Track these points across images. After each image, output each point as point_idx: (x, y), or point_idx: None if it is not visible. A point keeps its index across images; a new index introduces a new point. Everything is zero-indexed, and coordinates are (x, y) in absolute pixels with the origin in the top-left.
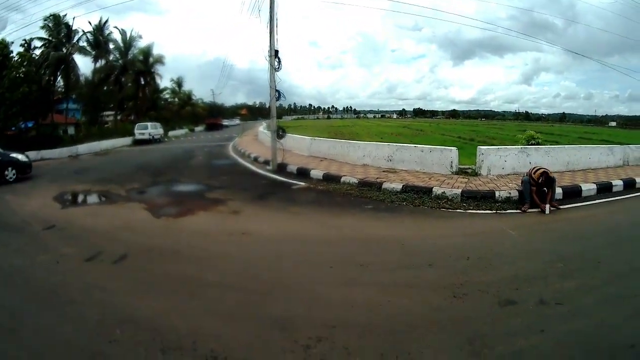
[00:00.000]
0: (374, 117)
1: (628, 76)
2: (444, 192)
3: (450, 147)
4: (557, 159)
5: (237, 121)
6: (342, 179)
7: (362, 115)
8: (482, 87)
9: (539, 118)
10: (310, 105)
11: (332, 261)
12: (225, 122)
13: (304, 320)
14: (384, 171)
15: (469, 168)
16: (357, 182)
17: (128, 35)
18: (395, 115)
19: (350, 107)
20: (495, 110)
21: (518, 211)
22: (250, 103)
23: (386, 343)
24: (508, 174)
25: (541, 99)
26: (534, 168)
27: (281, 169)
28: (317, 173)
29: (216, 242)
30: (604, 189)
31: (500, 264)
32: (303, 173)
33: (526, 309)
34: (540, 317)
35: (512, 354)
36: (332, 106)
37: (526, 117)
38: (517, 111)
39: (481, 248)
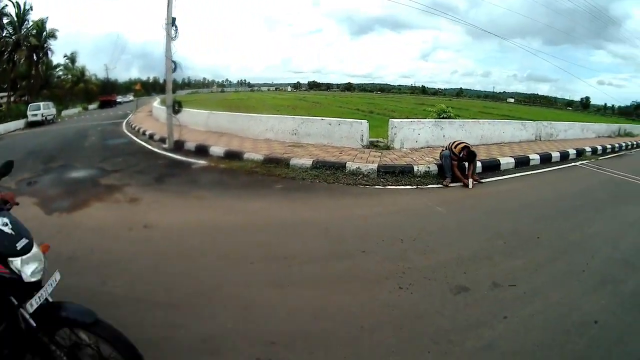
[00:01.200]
0: (268, 90)
1: (530, 57)
2: (358, 168)
3: (360, 120)
4: (471, 132)
5: (131, 97)
6: (246, 156)
7: (256, 88)
8: (378, 62)
9: (435, 92)
10: (204, 78)
11: (252, 255)
12: (119, 99)
13: (236, 339)
14: (289, 146)
15: (380, 141)
16: (262, 158)
17: (22, 8)
18: (289, 88)
19: (245, 80)
20: (391, 84)
21: (440, 186)
22: (144, 78)
23: (345, 356)
24: (422, 148)
25: (438, 74)
26: (454, 142)
27: (179, 146)
28: (217, 150)
29: (116, 239)
30: (522, 163)
31: (438, 245)
32: (202, 150)
33: (481, 294)
34: (498, 302)
35: (484, 347)
36: (226, 79)
37: (422, 91)
38: (414, 85)
39: (412, 228)
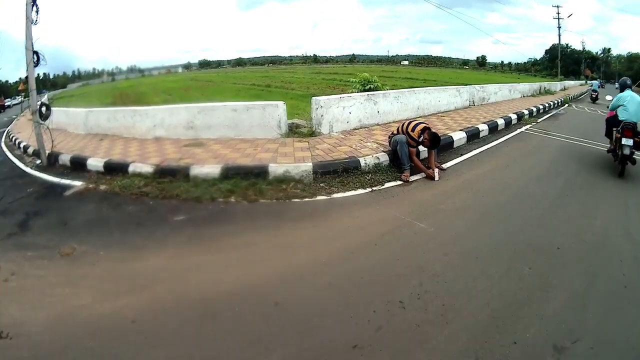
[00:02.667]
0: (159, 73)
1: (422, 20)
2: (287, 171)
3: (276, 102)
4: (407, 104)
5: (20, 99)
6: (131, 168)
7: (147, 73)
8: (268, 34)
9: (327, 60)
10: (94, 69)
11: None
12: (8, 102)
13: None
14: (186, 146)
15: (300, 125)
16: (152, 170)
17: None
18: (180, 69)
19: (135, 66)
20: (282, 55)
21: (398, 183)
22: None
23: None
24: (355, 129)
25: (328, 43)
26: (407, 122)
27: (52, 161)
28: (96, 162)
29: None
30: (473, 136)
31: (454, 297)
32: (79, 164)
33: None
34: None
35: None
36: (117, 67)
37: (314, 60)
38: (305, 55)
39: (405, 274)
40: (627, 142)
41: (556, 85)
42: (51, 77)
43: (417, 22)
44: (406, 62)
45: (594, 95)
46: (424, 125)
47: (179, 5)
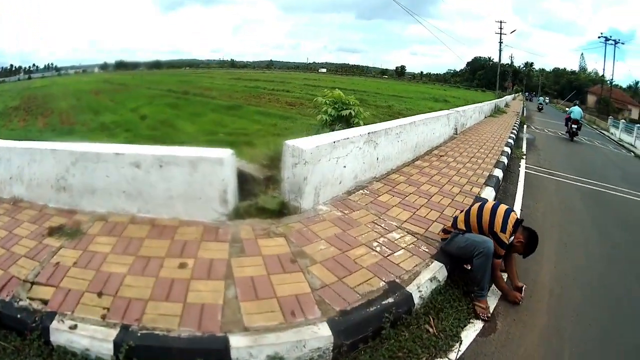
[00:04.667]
0: (75, 72)
1: (340, 29)
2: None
3: (217, 154)
4: (407, 142)
5: None
6: None
7: (63, 72)
8: (186, 37)
9: (244, 66)
10: (11, 65)
11: None
12: None
13: None
14: (48, 230)
15: (256, 181)
16: None
17: None
18: (97, 70)
19: (52, 64)
20: (200, 59)
21: (475, 324)
22: None
23: None
24: (350, 191)
25: (247, 48)
26: (482, 207)
27: None
28: None
29: None
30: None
31: None
32: None
33: None
34: None
35: None
36: (34, 64)
37: (232, 64)
38: (222, 59)
39: None
40: (573, 126)
41: (502, 101)
42: None
43: (335, 31)
44: (324, 70)
45: (540, 107)
46: (515, 216)
47: (100, 3)
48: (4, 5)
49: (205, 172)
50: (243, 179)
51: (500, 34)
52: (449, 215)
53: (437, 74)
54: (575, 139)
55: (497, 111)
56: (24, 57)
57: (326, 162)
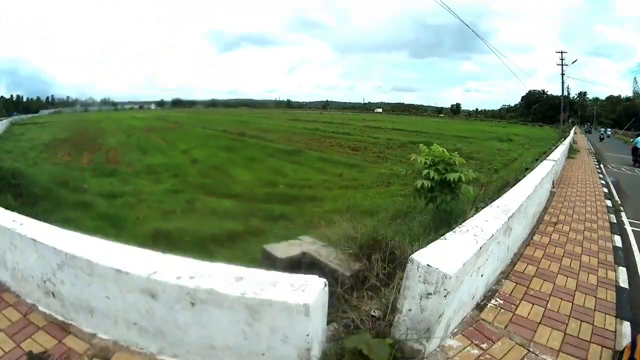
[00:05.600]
0: (131, 108)
1: (395, 69)
2: None
3: (297, 301)
4: (528, 214)
5: None
6: None
7: (120, 107)
8: (243, 77)
9: (300, 106)
10: (68, 97)
11: None
12: None
13: None
14: None
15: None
16: None
17: None
18: (153, 106)
19: (109, 98)
20: (256, 99)
21: None
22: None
23: None
24: (481, 303)
25: (302, 88)
26: None
27: None
28: None
29: None
30: None
31: None
32: None
33: None
34: None
35: None
36: (90, 98)
37: (288, 105)
38: (278, 99)
39: None
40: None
41: (570, 137)
42: (24, 99)
43: (389, 70)
44: (380, 110)
45: (602, 137)
46: None
47: (158, 43)
48: (64, 39)
49: (275, 324)
50: (321, 273)
51: (562, 65)
52: (599, 326)
53: (492, 110)
54: None
55: (571, 150)
56: (80, 90)
57: (467, 280)
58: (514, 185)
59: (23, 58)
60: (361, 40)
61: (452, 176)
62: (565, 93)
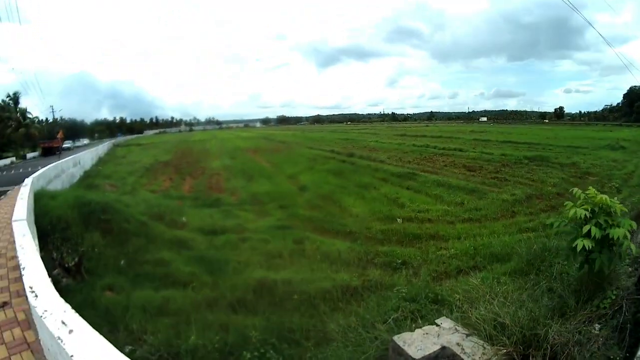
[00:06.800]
0: (237, 127)
1: (495, 74)
2: None
3: None
4: None
5: (86, 141)
6: None
7: (224, 126)
8: (345, 92)
9: (405, 118)
10: (172, 118)
11: None
12: (68, 144)
13: None
14: None
15: None
16: None
17: None
18: (258, 124)
19: (213, 118)
20: (360, 113)
21: None
22: (111, 118)
23: None
24: None
25: (405, 99)
26: None
27: None
28: None
29: None
30: None
31: None
32: None
33: None
34: None
35: None
36: (194, 118)
37: (393, 118)
38: (382, 112)
39: None
40: None
41: None
42: (128, 121)
43: (489, 76)
44: (484, 119)
45: None
46: None
47: (259, 62)
48: (167, 60)
49: None
50: None
51: None
52: None
53: (594, 111)
54: None
55: None
56: (184, 110)
57: None
58: None
59: (125, 80)
60: (459, 47)
61: (616, 233)
62: None
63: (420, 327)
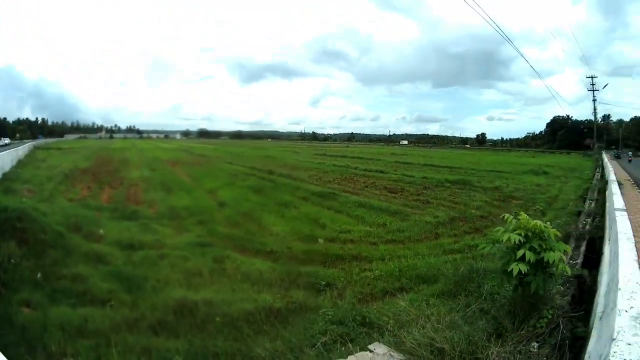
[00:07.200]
0: (157, 137)
1: (418, 99)
2: None
3: None
4: None
5: (6, 140)
6: None
7: (145, 135)
8: (268, 109)
9: (326, 138)
10: (94, 123)
11: None
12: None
13: None
14: None
15: None
16: None
17: None
18: (179, 136)
19: (134, 126)
20: (281, 130)
21: None
22: (33, 119)
23: None
24: None
25: (327, 120)
26: None
27: None
28: None
29: None
30: None
31: None
32: None
33: None
34: None
35: None
36: (115, 125)
37: (313, 137)
38: (303, 131)
39: None
40: None
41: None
42: (50, 123)
43: (413, 101)
44: (405, 142)
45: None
46: None
47: (185, 72)
48: (90, 63)
49: None
50: None
51: (593, 90)
52: None
53: (517, 138)
54: None
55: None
56: (106, 116)
57: None
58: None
59: (49, 80)
60: (385, 71)
61: (552, 257)
62: (592, 118)
63: (353, 354)
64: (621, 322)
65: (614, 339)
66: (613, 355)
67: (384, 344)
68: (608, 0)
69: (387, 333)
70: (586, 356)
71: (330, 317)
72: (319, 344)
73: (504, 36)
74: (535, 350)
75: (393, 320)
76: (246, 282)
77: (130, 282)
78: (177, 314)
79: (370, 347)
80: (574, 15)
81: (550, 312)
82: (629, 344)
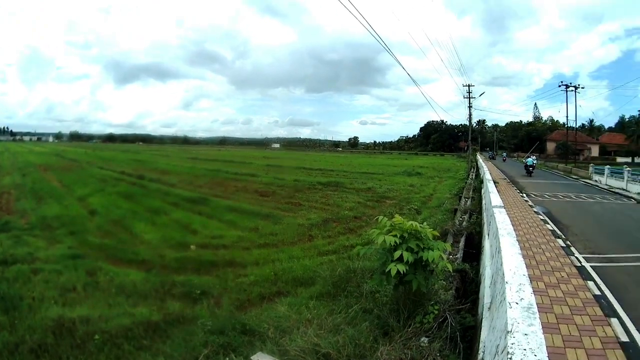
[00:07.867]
0: (30, 139)
1: (291, 103)
2: None
3: None
4: None
5: None
6: None
7: (18, 138)
8: (140, 111)
9: (197, 142)
10: None
11: None
12: None
13: None
14: None
15: None
16: None
17: None
18: (51, 139)
19: (7, 128)
20: (153, 134)
21: None
22: None
23: None
24: None
25: (199, 123)
26: None
27: None
28: None
29: None
30: None
31: None
32: None
33: None
34: None
35: None
36: None
37: (185, 141)
38: (175, 135)
39: None
40: (530, 168)
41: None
42: None
43: (286, 105)
44: (277, 145)
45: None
46: None
47: (56, 72)
48: None
49: None
50: None
51: (469, 97)
52: None
53: (390, 141)
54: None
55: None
56: None
57: None
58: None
59: None
60: (259, 75)
61: (430, 256)
62: (467, 122)
63: None
64: (513, 314)
65: (509, 332)
66: (511, 347)
67: (267, 354)
68: (492, 16)
69: (269, 341)
70: (480, 345)
71: (209, 327)
72: (201, 357)
73: (382, 42)
74: (425, 345)
75: (273, 327)
76: (121, 295)
77: (5, 302)
78: (56, 335)
79: (253, 357)
80: (459, 29)
81: (436, 307)
82: (526, 334)
